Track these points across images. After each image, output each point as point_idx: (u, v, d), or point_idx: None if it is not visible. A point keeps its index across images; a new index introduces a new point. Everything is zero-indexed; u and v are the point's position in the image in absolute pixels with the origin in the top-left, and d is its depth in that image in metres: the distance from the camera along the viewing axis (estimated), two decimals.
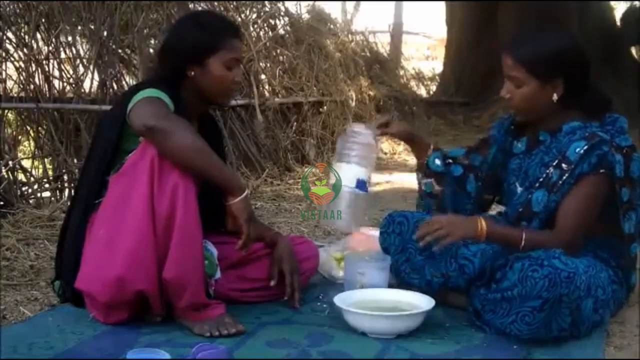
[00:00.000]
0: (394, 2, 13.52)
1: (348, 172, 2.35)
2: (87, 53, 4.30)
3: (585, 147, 2.12)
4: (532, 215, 2.18)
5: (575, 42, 2.27)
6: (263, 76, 5.69)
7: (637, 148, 2.22)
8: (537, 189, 2.20)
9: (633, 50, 11.78)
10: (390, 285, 2.44)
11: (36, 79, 3.97)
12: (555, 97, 2.20)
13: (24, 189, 3.75)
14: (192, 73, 2.19)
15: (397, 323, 2.09)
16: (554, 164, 2.18)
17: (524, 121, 2.31)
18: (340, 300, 2.17)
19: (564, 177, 2.14)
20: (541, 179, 2.21)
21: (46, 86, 4.02)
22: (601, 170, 2.12)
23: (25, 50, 3.97)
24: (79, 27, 4.34)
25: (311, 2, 7.24)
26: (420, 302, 2.19)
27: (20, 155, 4.01)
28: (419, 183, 2.55)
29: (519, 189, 2.30)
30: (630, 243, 2.22)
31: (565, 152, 2.16)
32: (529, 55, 2.18)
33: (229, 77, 2.20)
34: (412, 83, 9.87)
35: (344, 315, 2.13)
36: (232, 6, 5.61)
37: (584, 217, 2.15)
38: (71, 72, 4.19)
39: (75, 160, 3.91)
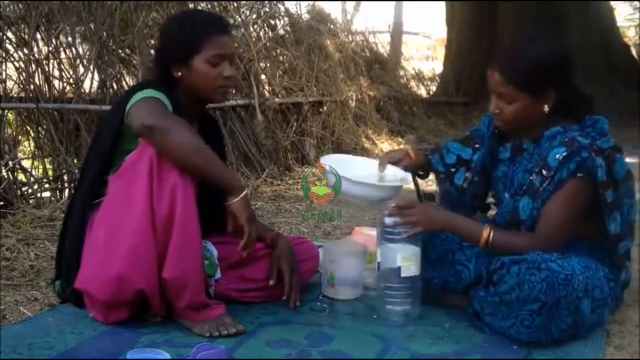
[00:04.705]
0: (394, 2, 13.54)
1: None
2: (87, 53, 4.30)
3: (565, 154, 2.10)
4: (520, 223, 2.16)
5: (561, 48, 2.20)
6: (263, 76, 5.68)
7: (637, 148, 2.20)
8: (522, 196, 2.19)
9: (633, 51, 11.77)
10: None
11: (36, 79, 3.96)
12: (546, 108, 2.17)
13: (24, 189, 3.74)
14: (179, 74, 2.19)
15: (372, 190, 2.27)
16: (536, 170, 2.17)
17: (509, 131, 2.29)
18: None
19: (545, 184, 2.13)
20: (525, 186, 2.19)
21: (46, 86, 4.01)
22: (579, 175, 2.09)
23: (25, 50, 3.97)
24: (79, 28, 4.33)
25: (311, 2, 7.23)
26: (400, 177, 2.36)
27: (20, 155, 4.00)
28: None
29: (507, 197, 2.29)
30: (617, 242, 2.21)
31: (546, 158, 2.14)
32: (518, 72, 2.13)
33: (215, 74, 2.18)
34: (412, 83, 9.85)
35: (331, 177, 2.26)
36: (232, 6, 5.62)
37: (564, 221, 2.12)
38: (71, 72, 4.19)
39: (75, 160, 3.91)
